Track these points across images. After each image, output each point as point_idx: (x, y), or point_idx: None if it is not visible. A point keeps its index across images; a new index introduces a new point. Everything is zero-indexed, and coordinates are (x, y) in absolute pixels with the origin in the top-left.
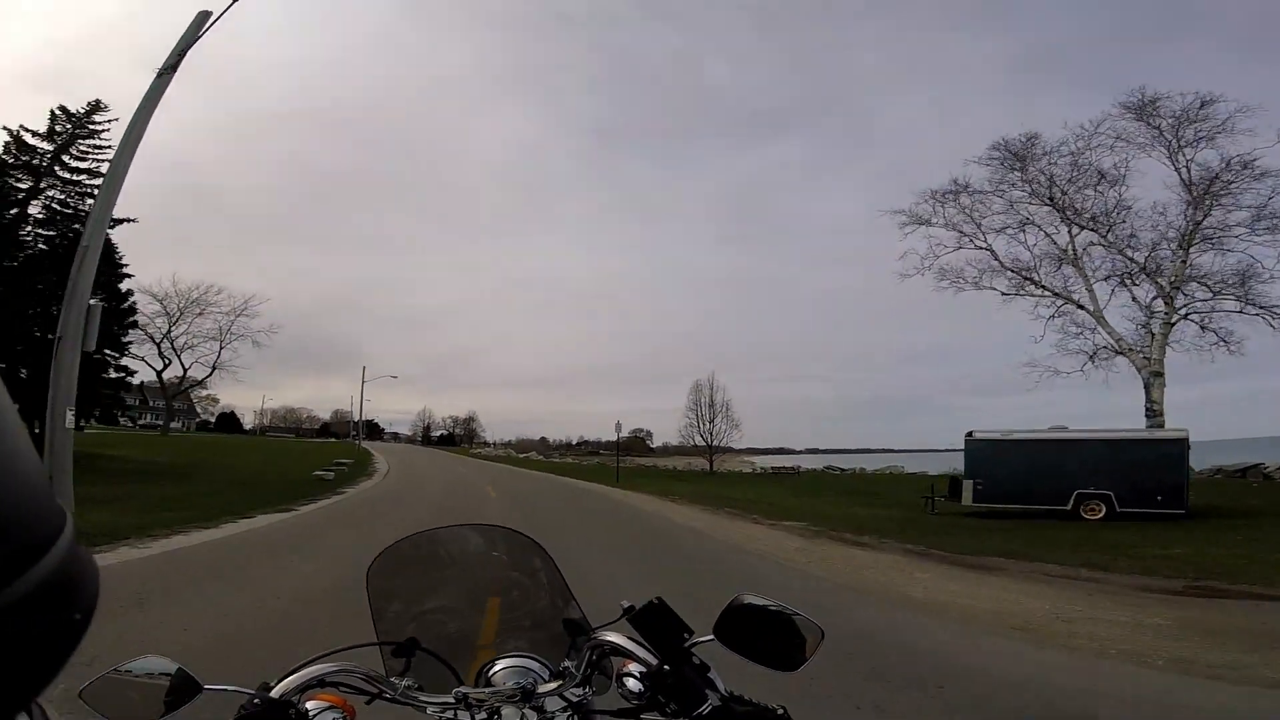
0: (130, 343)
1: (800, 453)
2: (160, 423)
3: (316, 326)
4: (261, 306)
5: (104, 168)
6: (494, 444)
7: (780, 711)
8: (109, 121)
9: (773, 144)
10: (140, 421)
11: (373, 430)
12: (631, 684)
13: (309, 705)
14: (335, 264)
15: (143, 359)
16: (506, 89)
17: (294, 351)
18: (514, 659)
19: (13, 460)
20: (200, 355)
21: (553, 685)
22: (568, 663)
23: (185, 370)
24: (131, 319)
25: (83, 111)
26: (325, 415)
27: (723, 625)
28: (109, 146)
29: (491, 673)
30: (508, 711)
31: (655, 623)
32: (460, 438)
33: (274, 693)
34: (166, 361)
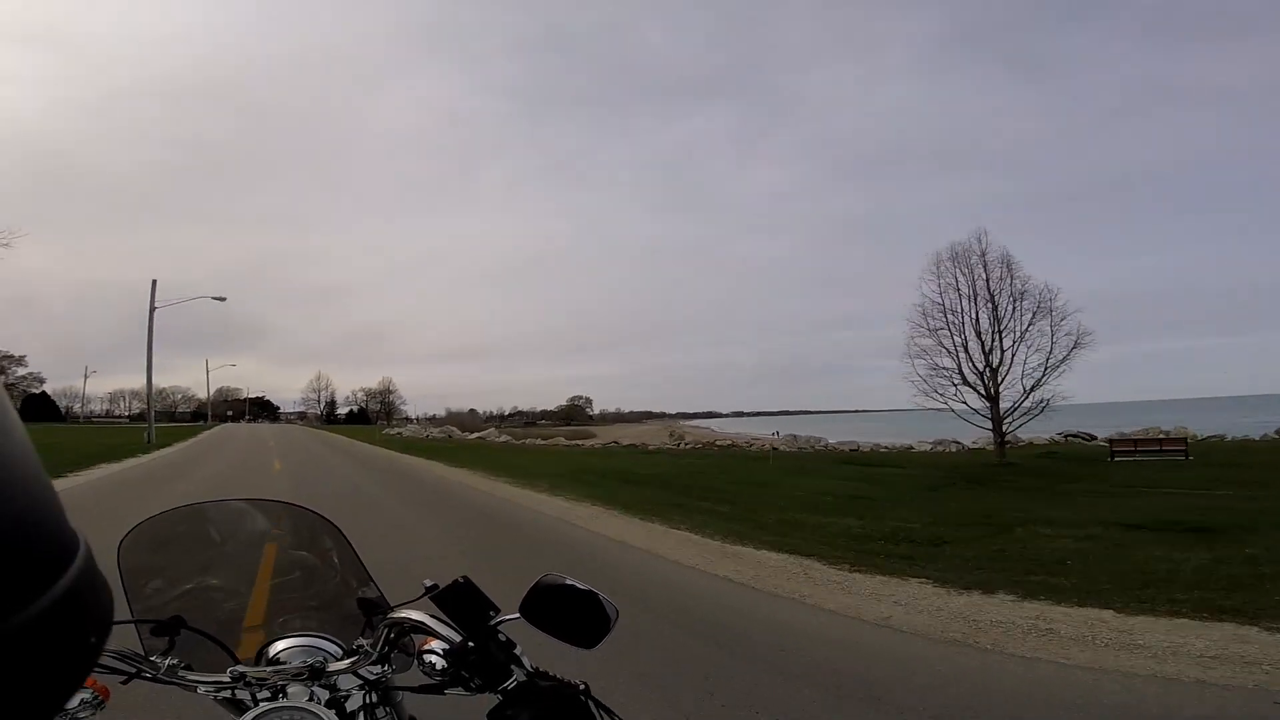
0: None
1: (725, 415)
2: None
3: (214, 306)
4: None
5: None
6: (417, 420)
7: (583, 686)
8: None
9: (702, 113)
10: None
11: (266, 409)
12: (434, 660)
13: None
14: (236, 241)
15: None
16: (427, 51)
17: (188, 331)
18: (300, 638)
19: (25, 483)
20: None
21: (345, 663)
22: (362, 640)
23: None
24: None
25: None
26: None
27: (529, 603)
28: None
29: (274, 652)
30: (295, 690)
31: (460, 601)
32: (374, 414)
33: None
34: None
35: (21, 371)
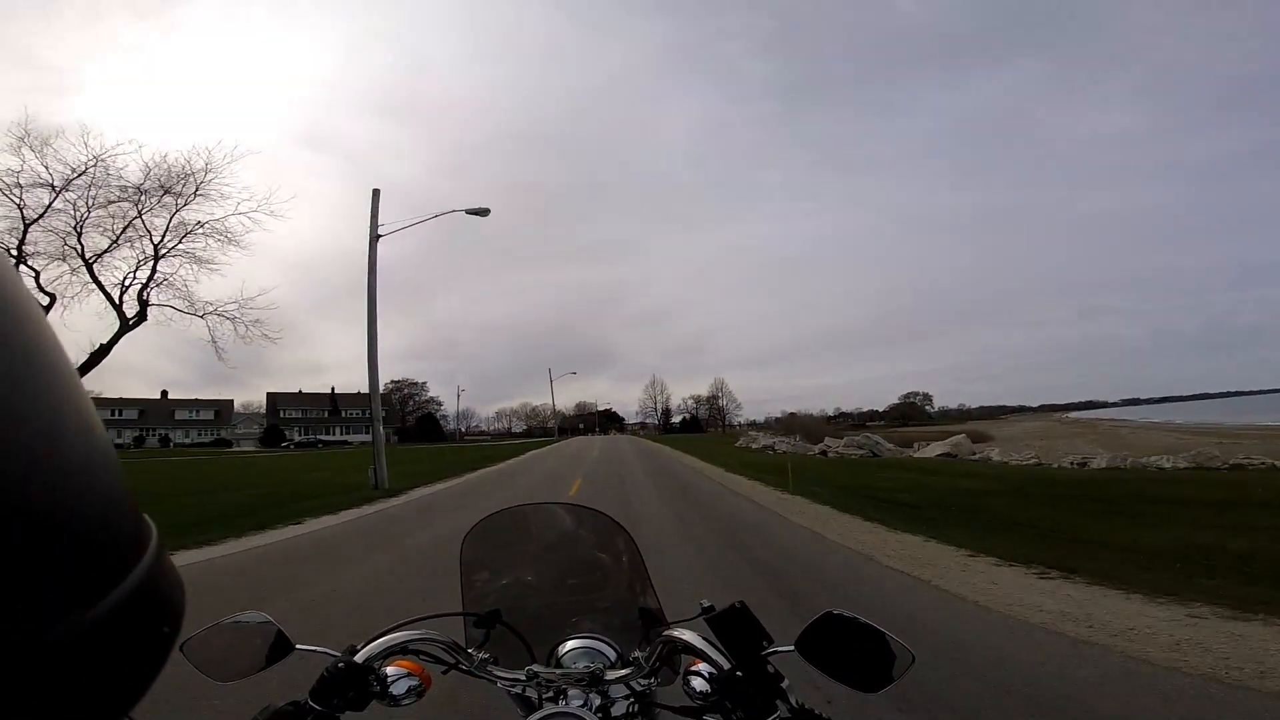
0: None
1: (1115, 404)
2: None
3: (569, 332)
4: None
5: None
6: (759, 426)
7: None
8: None
9: (987, 70)
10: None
11: (614, 420)
12: (698, 683)
13: (388, 671)
14: (562, 277)
15: None
16: (676, 73)
17: (548, 359)
18: (586, 640)
19: (100, 474)
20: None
21: (621, 673)
22: (638, 653)
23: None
24: None
25: None
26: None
27: (807, 638)
28: None
29: (563, 652)
30: (574, 693)
31: (734, 627)
32: (705, 421)
33: (358, 657)
34: None
35: (424, 396)
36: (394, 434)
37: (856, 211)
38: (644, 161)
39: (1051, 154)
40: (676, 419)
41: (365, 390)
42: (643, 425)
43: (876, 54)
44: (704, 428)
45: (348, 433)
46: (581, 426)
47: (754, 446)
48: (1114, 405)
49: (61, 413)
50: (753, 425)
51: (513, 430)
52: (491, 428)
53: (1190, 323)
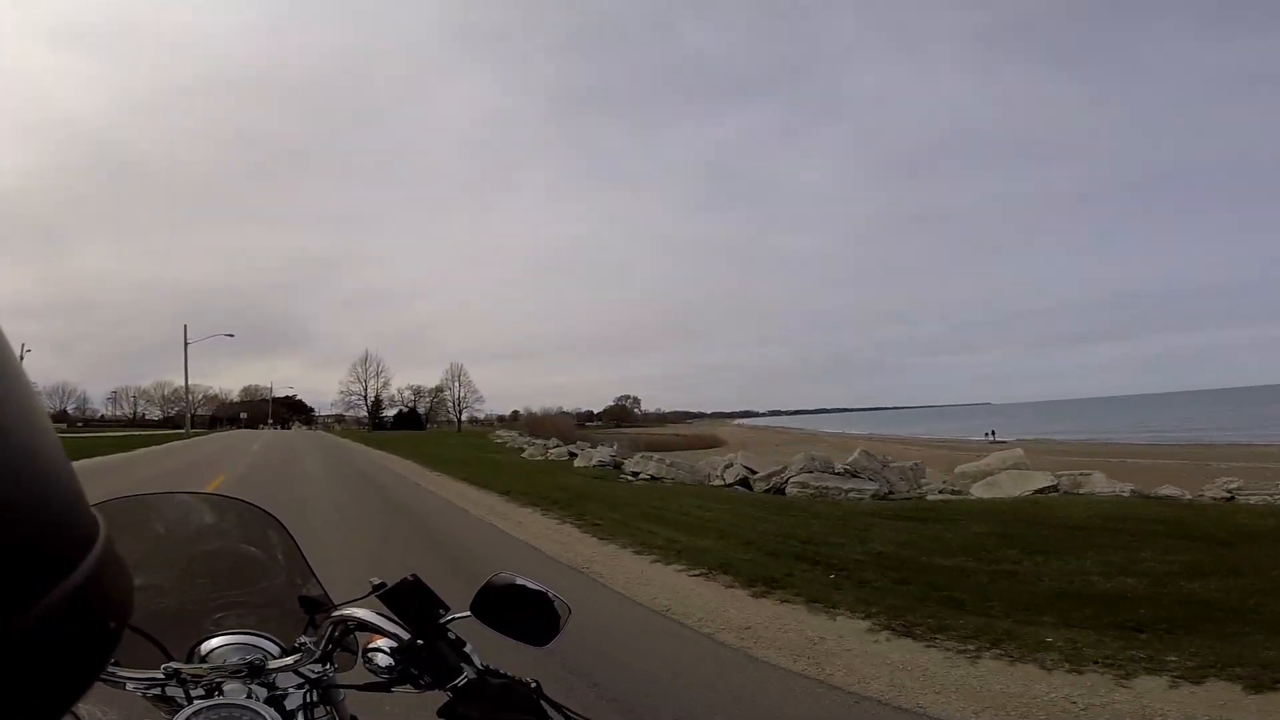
0: None
1: (762, 414)
2: None
3: (259, 306)
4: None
5: None
6: (490, 419)
7: (534, 684)
8: None
9: (746, 110)
10: None
11: (298, 411)
12: (381, 659)
13: None
14: (281, 241)
15: None
16: (467, 52)
17: (243, 334)
18: (236, 636)
19: (46, 467)
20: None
21: (286, 660)
22: (304, 639)
23: None
24: None
25: None
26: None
27: (479, 602)
28: None
29: (206, 650)
30: (231, 688)
31: (409, 600)
32: (424, 416)
33: None
34: None
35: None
36: None
37: (603, 224)
38: (398, 136)
39: (771, 192)
40: (390, 412)
41: None
42: (339, 419)
43: (658, 78)
44: (424, 424)
45: None
46: (244, 417)
47: (532, 454)
48: (762, 415)
49: (5, 402)
50: (500, 421)
51: (146, 418)
52: (111, 413)
53: (822, 353)
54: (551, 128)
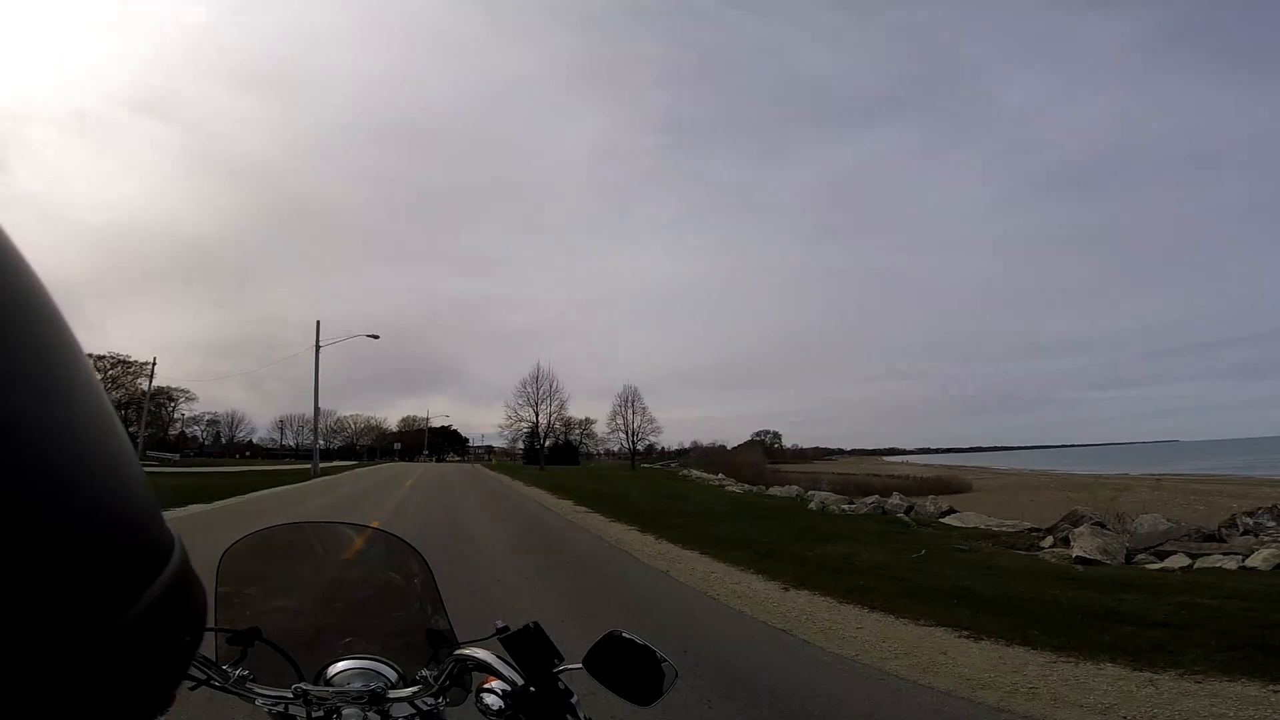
0: None
1: (910, 452)
2: None
3: (407, 346)
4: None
5: None
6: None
7: None
8: None
9: (872, 133)
10: None
11: (454, 442)
12: (491, 700)
13: None
14: (423, 281)
15: None
16: (583, 90)
17: (385, 371)
18: (360, 661)
19: (126, 483)
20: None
21: (405, 691)
22: (425, 671)
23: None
24: None
25: None
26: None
27: (593, 656)
28: None
29: (333, 673)
30: (349, 712)
31: (527, 646)
32: (578, 448)
33: None
34: None
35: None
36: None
37: (726, 255)
38: (528, 176)
39: (900, 220)
40: (545, 443)
41: None
42: (489, 450)
43: (775, 105)
44: (578, 457)
45: None
46: (398, 447)
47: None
48: (910, 452)
49: (88, 420)
50: (664, 454)
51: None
52: (278, 441)
53: (969, 387)
54: (666, 159)
